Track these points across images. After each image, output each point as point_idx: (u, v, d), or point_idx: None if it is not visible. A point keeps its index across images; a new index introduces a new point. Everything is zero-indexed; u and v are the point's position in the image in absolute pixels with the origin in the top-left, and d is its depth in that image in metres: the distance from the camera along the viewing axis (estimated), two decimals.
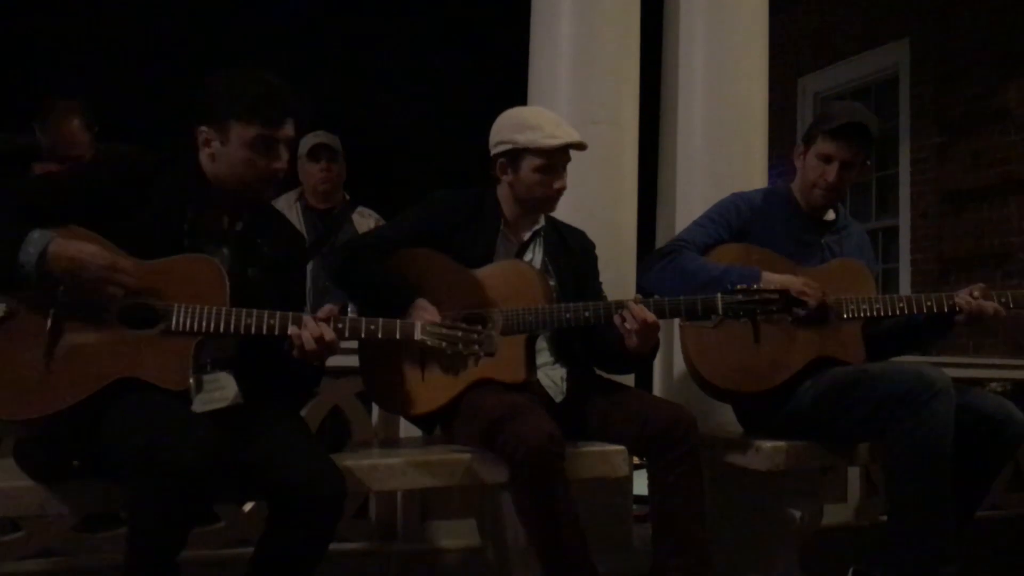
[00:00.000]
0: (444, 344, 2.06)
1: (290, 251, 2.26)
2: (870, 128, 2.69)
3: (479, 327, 2.11)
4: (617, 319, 2.37)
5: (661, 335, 3.43)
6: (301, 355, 2.00)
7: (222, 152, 2.08)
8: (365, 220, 3.92)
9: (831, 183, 2.72)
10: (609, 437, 2.47)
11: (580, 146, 2.54)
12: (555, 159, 2.52)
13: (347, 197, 4.02)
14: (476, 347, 2.07)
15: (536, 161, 2.51)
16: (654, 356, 2.57)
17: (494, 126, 2.60)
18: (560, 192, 2.57)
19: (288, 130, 2.10)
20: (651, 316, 2.35)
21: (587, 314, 2.40)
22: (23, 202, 1.95)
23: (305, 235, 3.87)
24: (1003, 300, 2.65)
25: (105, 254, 1.90)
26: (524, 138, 2.51)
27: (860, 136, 2.70)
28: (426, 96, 7.35)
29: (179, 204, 2.09)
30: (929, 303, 2.64)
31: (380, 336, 2.07)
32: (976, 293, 2.64)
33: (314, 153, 3.88)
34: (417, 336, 2.07)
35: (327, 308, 2.04)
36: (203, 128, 2.08)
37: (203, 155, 2.11)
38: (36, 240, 1.84)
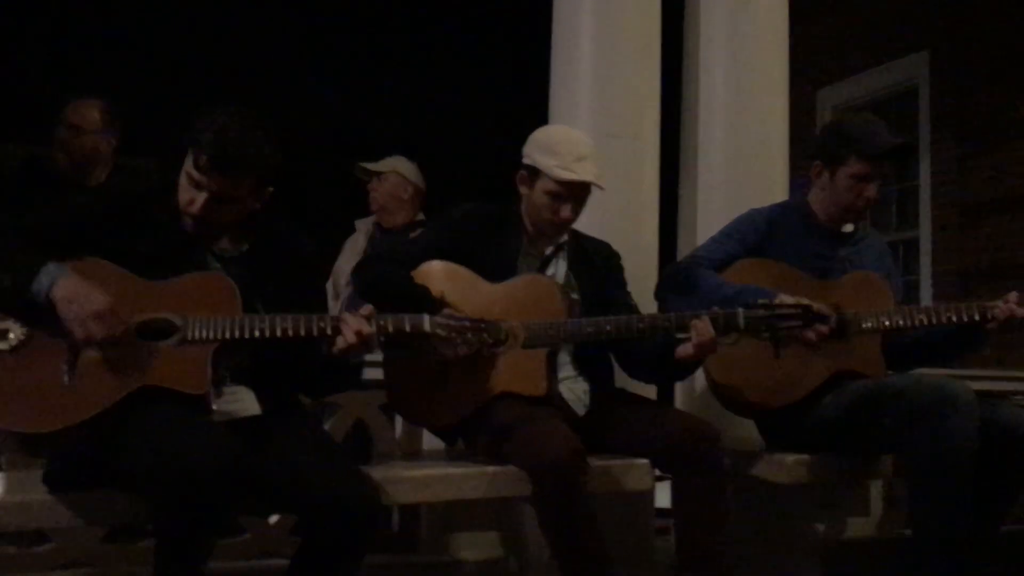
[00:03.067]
0: (453, 335, 2.15)
1: (298, 264, 2.29)
2: (909, 147, 2.72)
3: (485, 320, 2.19)
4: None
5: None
6: (341, 351, 2.06)
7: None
8: None
9: (872, 199, 2.72)
10: (632, 450, 2.47)
11: (596, 185, 2.54)
12: (566, 190, 2.53)
13: (419, 217, 4.04)
14: (484, 335, 2.16)
15: (548, 185, 2.52)
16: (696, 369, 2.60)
17: (530, 137, 2.62)
18: (564, 223, 2.58)
19: (222, 185, 2.07)
20: (711, 332, 2.38)
21: (608, 328, 2.42)
22: (39, 233, 2.02)
23: (363, 248, 3.98)
24: None
25: (102, 300, 1.93)
26: (543, 161, 2.52)
27: (894, 154, 2.72)
28: (446, 111, 7.39)
29: (182, 225, 2.14)
30: (949, 314, 2.63)
31: (391, 330, 2.13)
32: (1012, 298, 2.62)
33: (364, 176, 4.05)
34: (426, 328, 2.14)
35: (368, 308, 2.10)
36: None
37: None
38: (51, 272, 1.92)
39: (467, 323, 2.16)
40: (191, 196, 2.08)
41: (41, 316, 1.94)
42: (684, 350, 2.42)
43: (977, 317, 2.61)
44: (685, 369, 2.55)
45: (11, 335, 1.96)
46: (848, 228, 2.85)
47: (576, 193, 2.55)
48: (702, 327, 2.38)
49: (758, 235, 2.78)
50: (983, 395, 2.56)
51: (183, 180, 2.10)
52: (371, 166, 4.03)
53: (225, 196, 2.08)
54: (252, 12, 6.90)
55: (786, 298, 2.50)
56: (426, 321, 2.15)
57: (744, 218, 2.84)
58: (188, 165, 2.07)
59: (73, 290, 1.92)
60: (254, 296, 2.12)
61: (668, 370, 2.57)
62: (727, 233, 2.81)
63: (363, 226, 4.13)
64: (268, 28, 6.97)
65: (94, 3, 6.58)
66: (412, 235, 3.81)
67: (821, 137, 2.89)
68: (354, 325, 2.06)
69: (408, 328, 2.14)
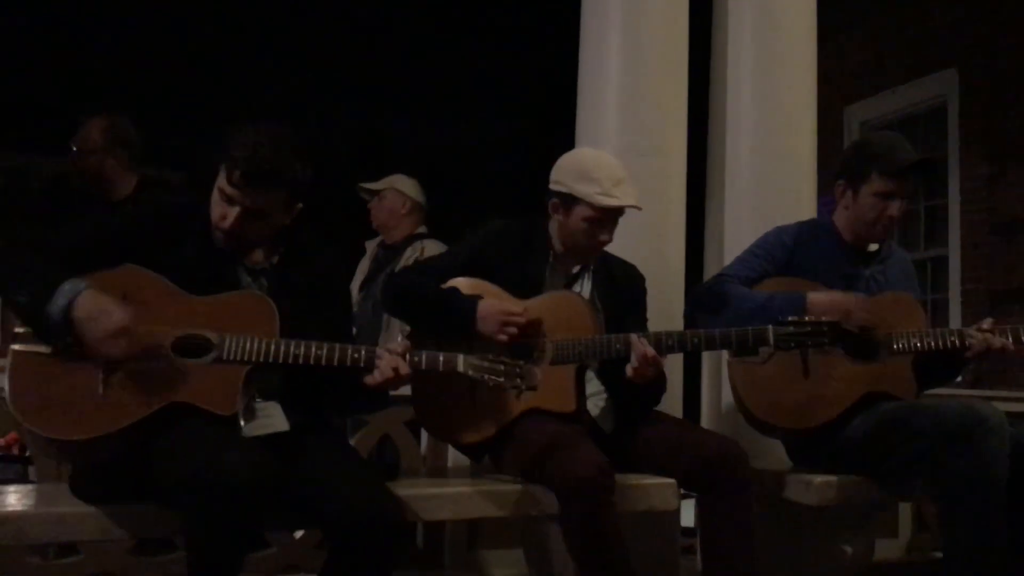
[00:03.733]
0: (486, 377, 2.15)
1: (325, 280, 2.31)
2: (932, 165, 2.70)
3: (521, 362, 2.17)
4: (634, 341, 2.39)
5: (710, 368, 3.45)
6: (377, 386, 2.09)
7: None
8: (414, 253, 3.99)
9: (895, 218, 2.70)
10: (659, 469, 2.47)
11: (634, 208, 2.55)
12: (606, 216, 2.54)
13: (416, 231, 4.09)
14: (518, 380, 2.15)
15: (587, 212, 2.53)
16: (658, 392, 2.57)
17: (557, 163, 2.63)
18: (603, 245, 2.59)
19: (255, 200, 2.10)
20: (650, 351, 2.36)
21: None
22: (65, 248, 2.05)
23: (367, 268, 4.05)
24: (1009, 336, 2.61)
25: (120, 317, 1.93)
26: (582, 189, 2.52)
27: (916, 171, 2.70)
28: (474, 126, 7.43)
29: (214, 238, 2.16)
30: (984, 335, 2.59)
31: (424, 367, 2.15)
32: (985, 327, 2.61)
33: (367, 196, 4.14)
34: (460, 369, 2.15)
35: (404, 344, 2.14)
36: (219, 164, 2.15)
37: None
38: (66, 291, 1.92)
39: (501, 366, 2.15)
40: (223, 211, 2.11)
41: (57, 337, 1.94)
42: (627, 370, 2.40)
43: (958, 343, 2.60)
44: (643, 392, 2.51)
45: None
46: (873, 247, 2.84)
47: (614, 217, 2.56)
48: (638, 347, 2.36)
49: (785, 253, 2.77)
50: (1013, 417, 2.54)
51: (215, 195, 2.13)
52: (370, 185, 4.13)
53: (257, 211, 2.11)
54: (280, 30, 6.97)
55: (817, 297, 2.50)
56: (460, 361, 2.16)
57: (771, 236, 2.83)
58: (221, 181, 2.10)
59: (90, 309, 1.92)
60: (283, 308, 2.14)
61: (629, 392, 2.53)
62: (753, 252, 2.80)
63: (371, 246, 4.21)
64: (296, 45, 7.04)
65: (118, 19, 6.67)
66: (410, 248, 3.90)
67: (845, 156, 2.88)
68: (391, 362, 2.09)
69: (441, 368, 2.17)
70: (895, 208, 2.69)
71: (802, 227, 2.86)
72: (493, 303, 2.40)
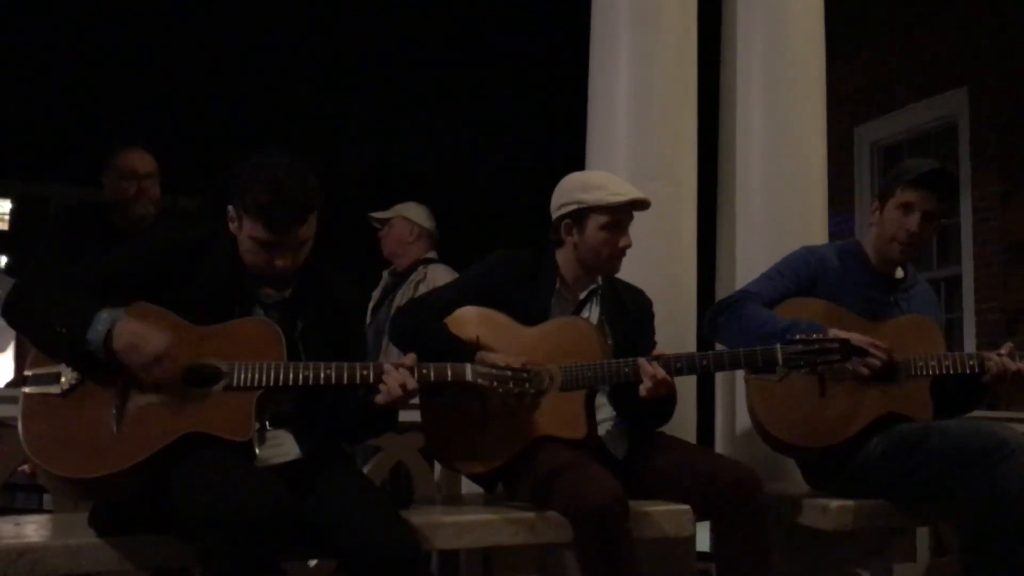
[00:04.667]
0: (495, 383, 2.17)
1: (338, 311, 2.32)
2: (954, 176, 2.71)
3: (528, 368, 2.21)
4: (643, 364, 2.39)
5: (723, 390, 3.44)
6: (385, 404, 2.09)
7: (238, 234, 2.15)
8: (416, 277, 4.01)
9: (913, 232, 2.69)
10: (673, 495, 2.46)
11: (644, 203, 2.57)
12: (621, 216, 2.55)
13: (427, 255, 4.11)
14: (526, 384, 2.18)
15: (602, 219, 2.54)
16: (669, 409, 2.57)
17: (556, 190, 2.64)
18: (624, 250, 2.59)
19: (294, 236, 2.11)
20: (660, 373, 2.36)
21: None
22: (91, 280, 2.08)
23: (377, 296, 4.07)
24: None
25: (164, 336, 1.98)
26: (591, 197, 2.54)
27: (942, 187, 2.70)
28: (485, 154, 7.48)
29: (230, 273, 2.17)
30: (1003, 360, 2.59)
31: (433, 379, 2.16)
32: (1003, 352, 2.60)
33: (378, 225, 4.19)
34: (468, 377, 2.17)
35: (411, 356, 2.14)
36: (230, 207, 2.16)
37: (232, 230, 2.19)
38: (105, 319, 1.96)
39: (509, 372, 2.17)
40: (266, 258, 2.11)
41: (94, 363, 1.97)
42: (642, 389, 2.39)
43: (976, 368, 2.59)
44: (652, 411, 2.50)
45: (63, 379, 2.00)
46: (900, 274, 2.83)
47: (629, 218, 2.58)
48: (649, 369, 2.36)
49: (811, 274, 2.76)
50: None
51: (249, 246, 2.12)
52: (379, 215, 4.17)
53: (304, 241, 2.14)
54: (290, 63, 7.05)
55: (839, 333, 2.49)
56: (468, 370, 2.17)
57: (797, 256, 2.82)
58: (252, 230, 2.09)
59: (131, 338, 1.96)
60: (296, 340, 2.15)
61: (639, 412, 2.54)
62: (779, 271, 2.79)
63: (386, 274, 4.22)
64: (307, 76, 7.12)
65: (127, 52, 6.77)
66: (414, 273, 3.94)
67: (882, 179, 2.90)
68: (398, 378, 2.09)
69: (450, 377, 2.17)
70: (914, 222, 2.68)
71: (830, 249, 2.86)
72: (492, 359, 2.35)
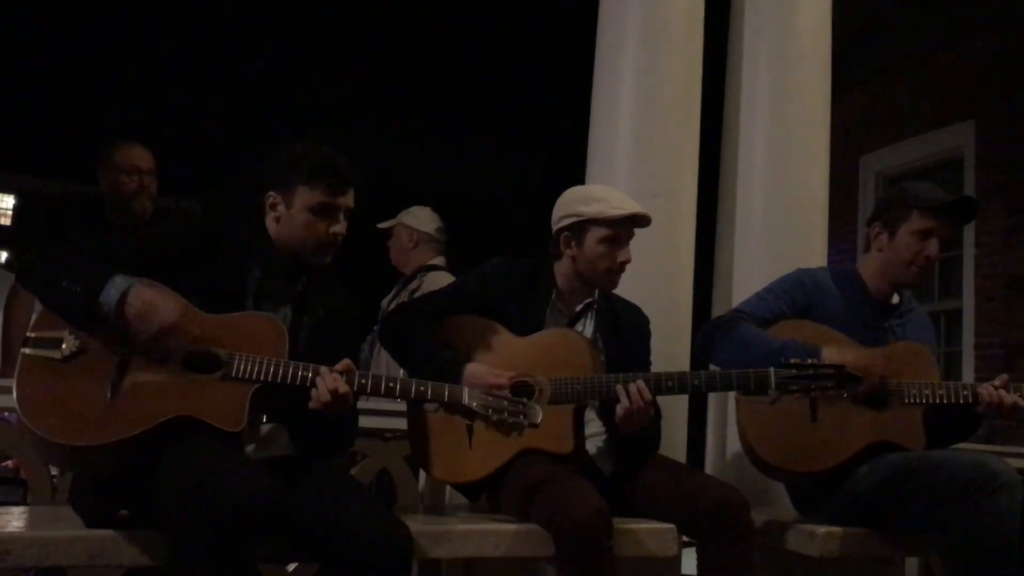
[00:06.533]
0: (490, 412, 2.14)
1: (342, 314, 2.33)
2: (977, 205, 2.71)
3: (524, 399, 2.18)
4: (620, 390, 2.36)
5: (715, 411, 3.41)
6: (316, 408, 2.05)
7: (287, 215, 2.21)
8: (408, 285, 3.99)
9: (932, 258, 2.68)
10: (658, 514, 2.42)
11: (644, 219, 2.55)
12: (620, 230, 2.53)
13: (432, 261, 4.09)
14: (521, 418, 2.15)
15: (601, 232, 2.52)
16: (654, 438, 2.55)
17: (558, 202, 2.62)
18: (624, 266, 2.57)
19: (348, 200, 2.23)
20: (637, 404, 2.34)
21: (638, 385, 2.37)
22: (104, 252, 2.08)
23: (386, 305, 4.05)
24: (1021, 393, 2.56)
25: (178, 306, 2.00)
26: (590, 209, 2.52)
27: (963, 215, 2.71)
28: (487, 168, 7.49)
29: (244, 264, 2.20)
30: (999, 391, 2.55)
31: (429, 398, 2.16)
32: (997, 384, 2.57)
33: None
34: (465, 401, 2.15)
35: (345, 362, 2.10)
36: (271, 193, 2.22)
37: (269, 218, 2.24)
38: (119, 283, 1.97)
39: (505, 403, 2.16)
40: (326, 227, 2.20)
41: (102, 328, 1.98)
42: (617, 411, 2.37)
43: (970, 399, 2.56)
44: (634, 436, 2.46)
45: (64, 345, 2.00)
46: (895, 299, 2.81)
47: (630, 231, 2.56)
48: (634, 392, 2.34)
49: (806, 296, 2.74)
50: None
51: (304, 220, 2.19)
52: (383, 225, 4.16)
53: (350, 211, 2.25)
54: (295, 74, 7.07)
55: (833, 356, 2.47)
56: (465, 394, 2.16)
57: (793, 277, 2.80)
58: (312, 199, 2.18)
59: (144, 306, 1.96)
60: (298, 336, 2.16)
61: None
62: (773, 291, 2.77)
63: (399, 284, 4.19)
64: (312, 86, 7.14)
65: (128, 54, 6.80)
66: (413, 282, 3.92)
67: (881, 201, 2.87)
68: (329, 383, 2.05)
69: (447, 399, 2.16)
70: (932, 248, 2.67)
71: (826, 273, 2.84)
72: (480, 371, 2.35)
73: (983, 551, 2.32)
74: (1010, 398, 2.55)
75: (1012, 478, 2.36)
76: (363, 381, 2.10)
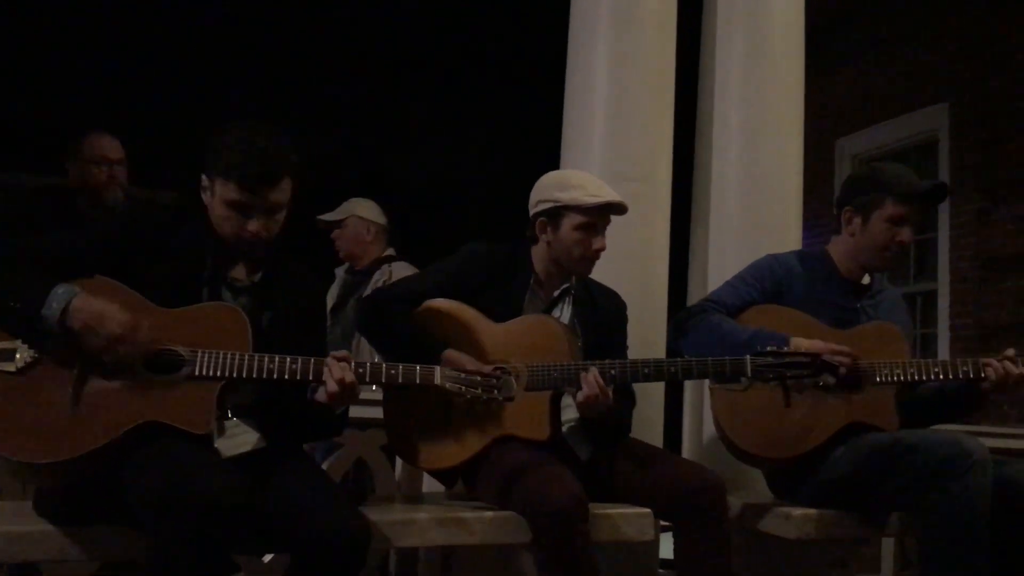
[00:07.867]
0: (463, 388, 2.12)
1: (306, 302, 2.28)
2: (947, 190, 2.74)
3: (498, 374, 2.16)
4: (582, 376, 2.34)
5: (691, 397, 3.41)
6: (323, 400, 2.03)
7: (211, 203, 2.11)
8: (382, 276, 3.95)
9: (906, 243, 2.70)
10: (635, 499, 2.43)
11: (621, 207, 2.54)
12: (596, 218, 2.52)
13: (387, 252, 4.05)
14: (495, 392, 2.13)
15: (577, 219, 2.51)
16: (611, 424, 2.52)
17: (535, 186, 2.61)
18: (598, 253, 2.56)
19: (274, 196, 2.08)
20: (593, 391, 2.31)
21: (613, 372, 2.37)
22: (51, 255, 2.00)
23: (336, 294, 4.00)
24: None
25: (124, 315, 1.92)
26: (566, 196, 2.51)
27: (934, 201, 2.75)
28: (459, 152, 7.43)
29: (199, 254, 2.12)
30: (965, 368, 2.57)
31: (401, 380, 2.12)
32: (1009, 353, 2.57)
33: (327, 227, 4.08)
34: (437, 381, 2.12)
35: (342, 352, 2.07)
36: (203, 176, 2.12)
37: (206, 200, 2.14)
38: (60, 295, 1.89)
39: (478, 378, 2.13)
40: (240, 223, 2.07)
41: (52, 342, 1.91)
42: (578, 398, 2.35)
43: (974, 374, 2.56)
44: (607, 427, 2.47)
45: (18, 355, 1.92)
46: (866, 280, 2.81)
47: (605, 219, 2.54)
48: (590, 380, 2.31)
49: (776, 282, 2.74)
50: (999, 453, 2.50)
51: (221, 212, 2.07)
52: (329, 216, 4.05)
53: (277, 206, 2.09)
54: (262, 62, 6.99)
55: (801, 341, 2.47)
56: (437, 374, 2.12)
57: (762, 264, 2.80)
58: (225, 192, 2.05)
59: (89, 318, 1.88)
60: (263, 330, 2.10)
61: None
62: (743, 278, 2.77)
63: (339, 272, 4.14)
64: (277, 74, 7.05)
65: (100, 41, 6.70)
66: (378, 272, 3.87)
67: (852, 184, 2.86)
68: (336, 373, 2.03)
69: (419, 380, 2.12)
70: (906, 234, 2.69)
71: (795, 257, 2.84)
72: (457, 357, 2.33)
73: (955, 529, 2.34)
74: (1017, 370, 2.55)
75: (984, 457, 2.38)
76: (360, 370, 2.06)
